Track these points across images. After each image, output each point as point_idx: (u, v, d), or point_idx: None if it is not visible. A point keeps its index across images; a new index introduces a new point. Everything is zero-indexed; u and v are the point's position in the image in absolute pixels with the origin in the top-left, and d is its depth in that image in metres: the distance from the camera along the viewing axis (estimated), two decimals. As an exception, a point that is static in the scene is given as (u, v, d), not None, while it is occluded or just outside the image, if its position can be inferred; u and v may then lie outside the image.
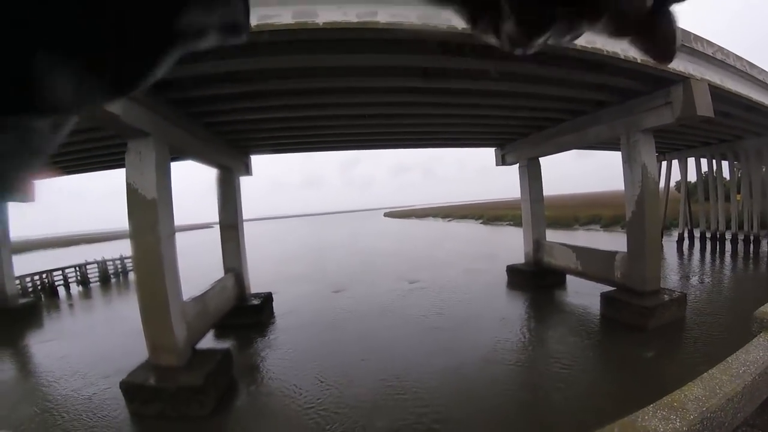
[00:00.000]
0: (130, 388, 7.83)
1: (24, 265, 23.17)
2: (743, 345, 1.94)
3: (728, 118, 14.72)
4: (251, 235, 18.76)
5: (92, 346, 12.22)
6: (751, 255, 21.12)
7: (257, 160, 16.51)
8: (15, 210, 15.91)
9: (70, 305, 20.12)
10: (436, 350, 10.11)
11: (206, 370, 8.15)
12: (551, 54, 8.06)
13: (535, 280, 16.65)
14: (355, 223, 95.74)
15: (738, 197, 24.27)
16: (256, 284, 15.63)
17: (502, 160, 19.17)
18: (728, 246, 23.52)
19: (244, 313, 13.63)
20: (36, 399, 8.84)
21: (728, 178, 24.70)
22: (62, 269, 23.92)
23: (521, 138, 17.05)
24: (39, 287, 21.85)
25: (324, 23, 6.55)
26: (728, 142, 22.38)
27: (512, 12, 0.25)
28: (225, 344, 11.42)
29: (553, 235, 19.63)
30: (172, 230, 9.02)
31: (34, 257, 40.00)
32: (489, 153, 19.88)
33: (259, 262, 21.06)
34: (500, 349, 10.11)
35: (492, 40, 0.28)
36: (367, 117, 12.22)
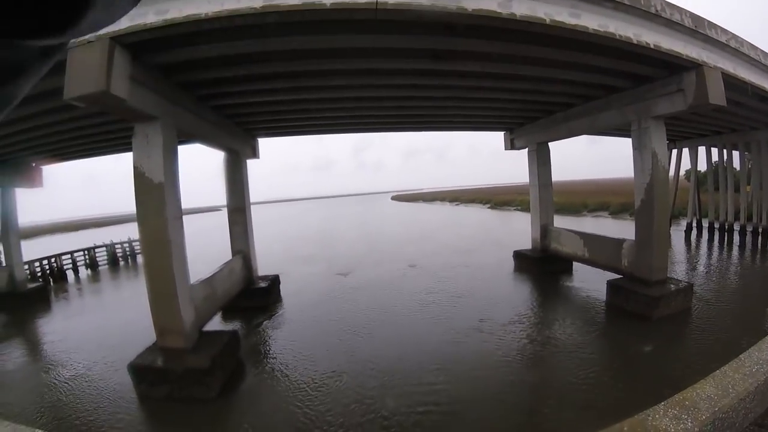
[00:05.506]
0: (139, 370, 7.93)
1: (32, 249, 23.52)
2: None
3: (741, 108, 14.39)
4: (259, 218, 18.89)
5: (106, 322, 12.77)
6: (759, 247, 20.86)
7: (267, 143, 16.53)
8: (23, 196, 16.08)
9: (79, 288, 20.36)
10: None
11: (213, 353, 8.25)
12: (562, 37, 7.87)
13: (542, 265, 16.64)
14: (363, 206, 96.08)
15: (748, 188, 23.88)
16: (263, 266, 15.75)
17: (511, 145, 18.95)
18: (736, 237, 23.24)
19: (252, 296, 13.75)
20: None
21: (738, 168, 24.29)
22: (71, 253, 24.06)
23: (531, 122, 16.83)
24: (48, 271, 22.00)
25: (332, 4, 6.41)
26: (740, 132, 21.92)
27: None
28: (232, 326, 11.56)
29: (560, 221, 19.45)
30: (180, 213, 8.98)
31: (43, 242, 40.53)
32: (500, 137, 19.60)
33: (267, 245, 21.25)
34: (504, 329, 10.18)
35: None
36: (376, 99, 12.08)
